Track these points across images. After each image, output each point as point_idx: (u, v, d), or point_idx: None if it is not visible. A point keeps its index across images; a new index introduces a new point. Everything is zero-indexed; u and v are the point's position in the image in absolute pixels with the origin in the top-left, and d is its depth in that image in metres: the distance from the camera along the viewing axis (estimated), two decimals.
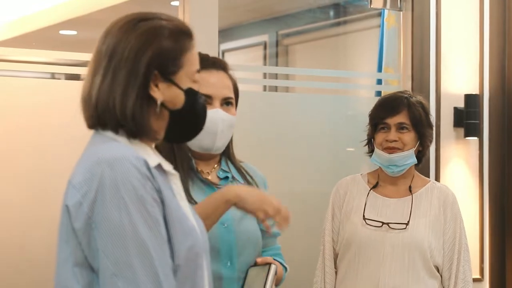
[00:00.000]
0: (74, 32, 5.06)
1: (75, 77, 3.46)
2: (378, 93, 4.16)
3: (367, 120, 3.16)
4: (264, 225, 2.22)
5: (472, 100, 4.11)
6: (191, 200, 2.29)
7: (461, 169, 4.13)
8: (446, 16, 4.08)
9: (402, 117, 3.05)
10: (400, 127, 3.05)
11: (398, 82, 4.10)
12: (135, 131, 1.79)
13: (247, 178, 2.50)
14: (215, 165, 2.48)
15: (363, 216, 3.06)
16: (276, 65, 6.34)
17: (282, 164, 3.75)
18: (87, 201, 1.68)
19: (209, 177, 2.43)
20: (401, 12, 4.09)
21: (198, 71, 1.91)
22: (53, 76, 3.74)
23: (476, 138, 4.13)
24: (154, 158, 1.82)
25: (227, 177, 2.45)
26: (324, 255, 3.14)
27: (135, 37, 1.80)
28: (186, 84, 1.85)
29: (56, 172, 3.03)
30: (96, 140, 1.82)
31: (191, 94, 1.86)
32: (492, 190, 4.20)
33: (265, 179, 2.59)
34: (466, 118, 4.09)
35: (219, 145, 2.42)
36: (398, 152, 3.04)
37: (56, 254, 1.78)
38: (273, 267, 2.35)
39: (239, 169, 2.50)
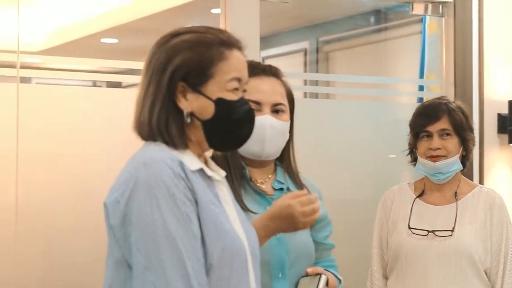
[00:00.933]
0: (115, 40, 5.08)
1: (116, 84, 3.48)
2: (420, 100, 4.12)
3: (408, 127, 3.13)
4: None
5: None
6: (245, 208, 2.27)
7: (505, 175, 4.08)
8: (489, 21, 4.03)
9: (443, 123, 3.02)
10: (443, 133, 3.02)
11: (440, 88, 4.06)
12: (164, 140, 1.86)
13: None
14: (270, 175, 2.44)
15: (408, 225, 3.03)
16: (317, 71, 6.32)
17: (323, 172, 3.73)
18: (124, 199, 1.77)
19: (263, 186, 2.40)
20: (443, 18, 4.06)
21: (239, 80, 1.92)
22: (94, 84, 3.76)
23: None
24: (195, 163, 1.87)
25: (281, 189, 2.41)
26: (372, 267, 3.13)
27: (164, 51, 1.88)
28: (217, 94, 1.88)
29: (98, 177, 3.05)
30: (143, 146, 1.90)
31: (221, 104, 1.89)
32: None
33: (320, 192, 2.55)
34: (510, 124, 4.03)
35: (269, 152, 2.38)
36: (443, 160, 3.01)
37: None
38: (323, 277, 2.33)
39: (296, 181, 2.46)
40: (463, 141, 3.05)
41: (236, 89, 1.91)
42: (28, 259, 3.04)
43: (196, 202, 1.80)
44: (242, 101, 1.93)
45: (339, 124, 3.81)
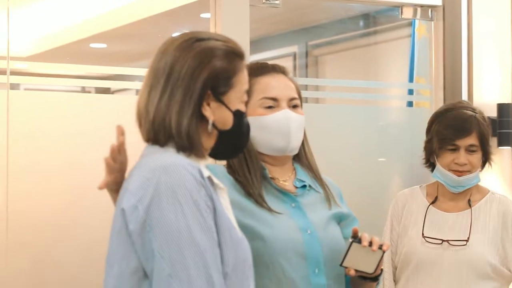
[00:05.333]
0: (104, 45, 5.07)
1: (105, 90, 3.46)
2: (410, 103, 4.12)
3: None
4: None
5: (505, 109, 4.05)
6: (269, 209, 2.26)
7: (495, 178, 4.07)
8: (478, 25, 4.03)
9: (472, 139, 3.00)
10: (470, 149, 3.00)
11: (430, 92, 4.06)
12: (187, 147, 1.85)
13: (325, 188, 2.44)
14: (290, 174, 2.42)
15: (422, 233, 3.02)
16: (306, 76, 6.31)
17: None
18: (143, 205, 1.75)
19: (286, 184, 2.38)
20: (432, 22, 4.06)
21: (247, 92, 1.95)
22: (83, 89, 3.74)
23: (509, 147, 4.07)
24: (205, 170, 1.87)
25: (304, 186, 2.40)
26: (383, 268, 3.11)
27: (191, 56, 1.86)
28: (235, 105, 1.91)
29: (89, 184, 3.02)
30: (149, 151, 1.88)
31: (238, 115, 1.92)
32: None
33: (340, 191, 2.54)
34: (499, 127, 4.03)
35: (294, 146, 2.37)
36: (467, 175, 3.00)
37: (106, 259, 1.85)
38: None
39: (317, 178, 2.45)
40: (485, 154, 3.04)
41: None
42: (18, 272, 3.00)
43: (214, 210, 1.80)
44: (245, 114, 1.96)
45: (329, 128, 3.79)
